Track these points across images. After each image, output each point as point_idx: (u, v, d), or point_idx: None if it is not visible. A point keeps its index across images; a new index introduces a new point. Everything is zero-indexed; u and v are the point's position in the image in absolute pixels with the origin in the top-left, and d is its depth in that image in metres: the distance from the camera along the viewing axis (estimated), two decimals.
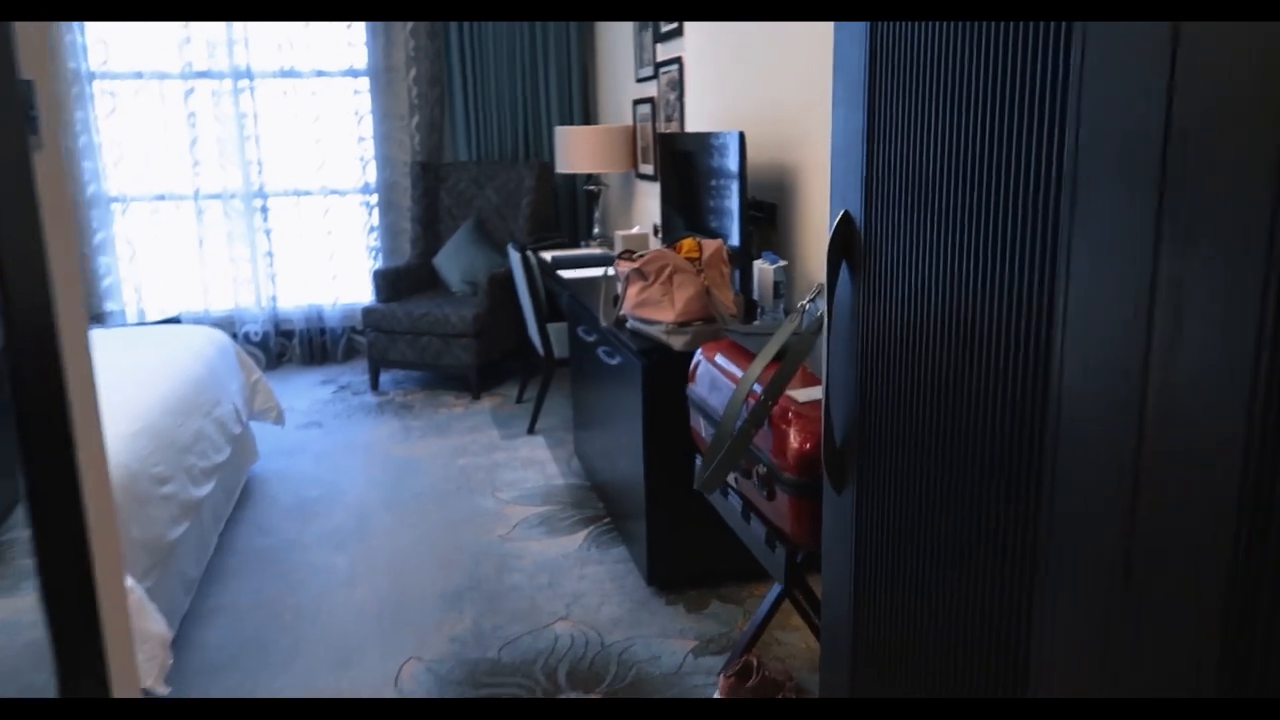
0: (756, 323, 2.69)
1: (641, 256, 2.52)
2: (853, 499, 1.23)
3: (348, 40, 5.29)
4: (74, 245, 1.07)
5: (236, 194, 5.29)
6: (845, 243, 1.20)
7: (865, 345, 1.17)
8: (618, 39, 4.90)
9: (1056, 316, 0.82)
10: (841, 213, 1.19)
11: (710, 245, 2.52)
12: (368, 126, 5.41)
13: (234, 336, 5.43)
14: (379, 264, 5.57)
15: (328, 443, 4.14)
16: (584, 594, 2.74)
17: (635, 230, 4.09)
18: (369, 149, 5.44)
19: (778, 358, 1.80)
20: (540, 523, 3.25)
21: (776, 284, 2.62)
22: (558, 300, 4.83)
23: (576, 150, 4.64)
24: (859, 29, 1.12)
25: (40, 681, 1.00)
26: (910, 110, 1.02)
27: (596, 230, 4.90)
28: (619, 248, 4.06)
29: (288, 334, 5.55)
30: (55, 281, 1.01)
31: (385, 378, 5.16)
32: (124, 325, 4.89)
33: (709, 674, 2.31)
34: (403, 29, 5.30)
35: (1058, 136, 0.80)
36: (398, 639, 2.54)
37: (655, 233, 4.34)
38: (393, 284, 4.97)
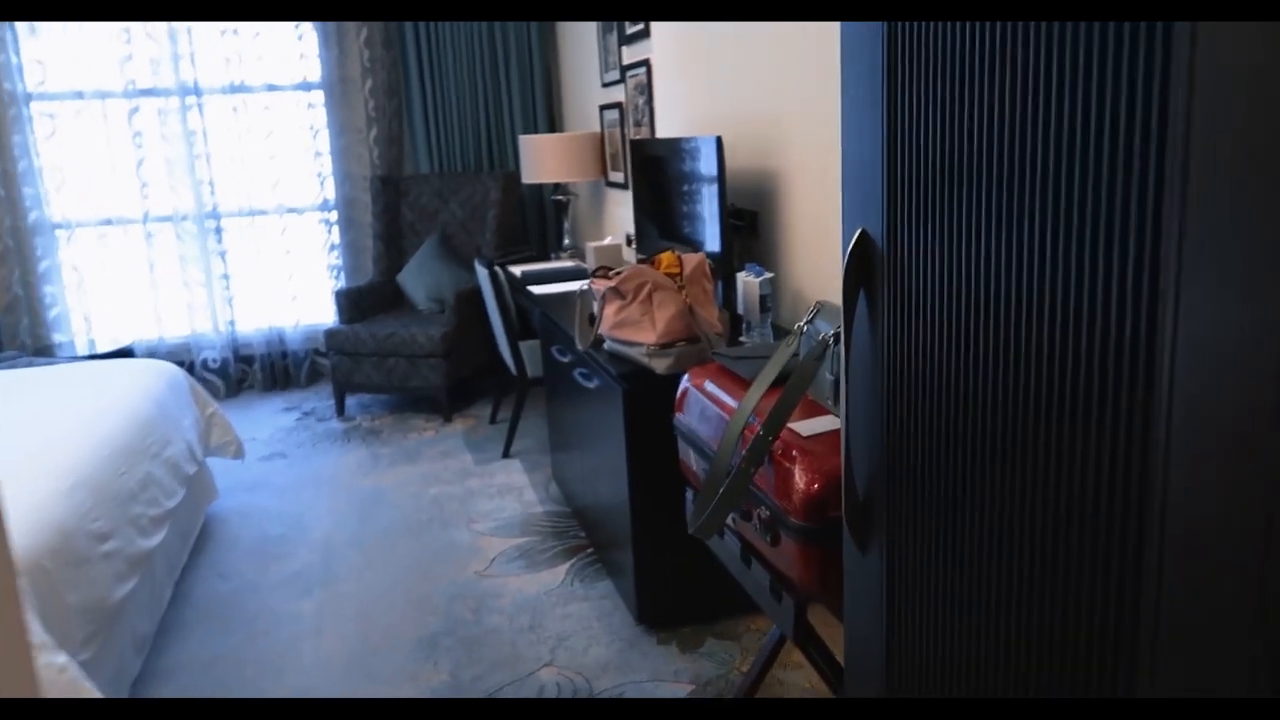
0: (744, 339, 2.53)
1: (618, 274, 2.35)
2: (882, 558, 1.07)
3: (299, 52, 5.08)
4: None
5: (188, 216, 5.06)
6: (864, 265, 1.03)
7: (893, 381, 1.01)
8: (581, 42, 4.73)
9: (1161, 339, 0.67)
10: (858, 232, 1.03)
11: (691, 259, 2.36)
12: (324, 141, 5.20)
13: (191, 364, 5.20)
14: (341, 283, 5.36)
15: (291, 475, 3.93)
16: (569, 635, 2.56)
17: (607, 241, 3.92)
18: (326, 164, 5.23)
19: (775, 384, 1.64)
20: (519, 556, 3.07)
21: (763, 298, 2.46)
22: (529, 317, 4.65)
23: (542, 159, 4.46)
24: (874, 29, 0.96)
25: None
26: (952, 115, 0.86)
27: (567, 242, 4.73)
28: (591, 260, 3.89)
29: (248, 360, 5.32)
30: None
31: (351, 402, 4.95)
32: (73, 357, 4.65)
33: None
34: (356, 39, 5.10)
35: (1156, 138, 0.64)
36: (369, 694, 2.35)
37: (629, 243, 4.18)
38: (355, 304, 4.76)
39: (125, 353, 4.83)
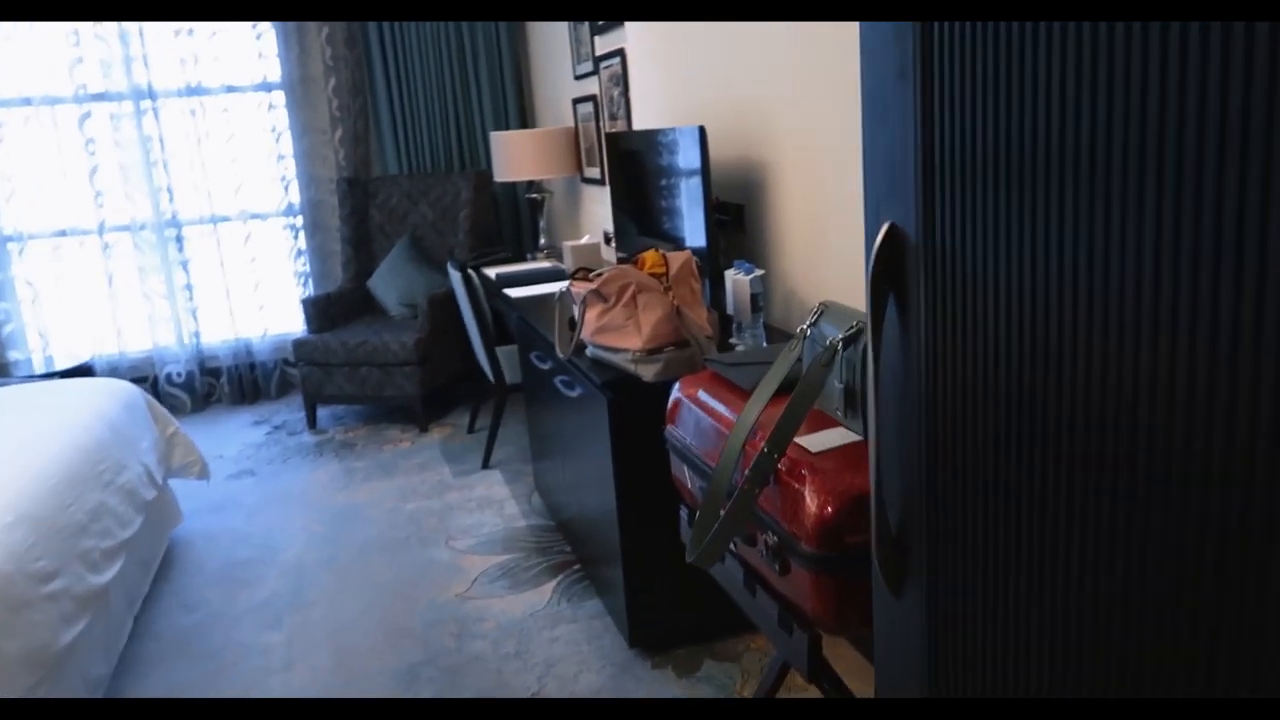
0: (734, 341, 2.38)
1: (599, 275, 2.20)
2: (923, 601, 0.92)
3: (258, 51, 4.88)
4: None
5: (146, 225, 4.86)
6: (894, 263, 0.88)
7: (936, 396, 0.86)
8: (551, 34, 4.56)
9: (1263, 352, 0.52)
10: (886, 226, 0.88)
11: (677, 258, 2.20)
12: (287, 143, 5.00)
13: (155, 379, 5.00)
14: (309, 290, 5.17)
15: (261, 493, 3.75)
16: (558, 661, 2.41)
17: (585, 240, 3.76)
18: (290, 167, 5.03)
19: (778, 394, 1.49)
20: (502, 575, 2.90)
21: (754, 297, 2.31)
22: (505, 321, 4.48)
23: (515, 157, 4.29)
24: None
25: None
26: (1009, 104, 0.71)
27: (543, 241, 4.56)
28: (568, 260, 3.73)
29: (214, 372, 5.12)
30: None
31: (323, 413, 4.76)
32: (29, 376, 4.43)
33: None
34: (318, 37, 4.91)
35: (1242, 134, 0.49)
36: None
37: (607, 241, 4.02)
38: (324, 312, 4.57)
39: (85, 369, 4.62)
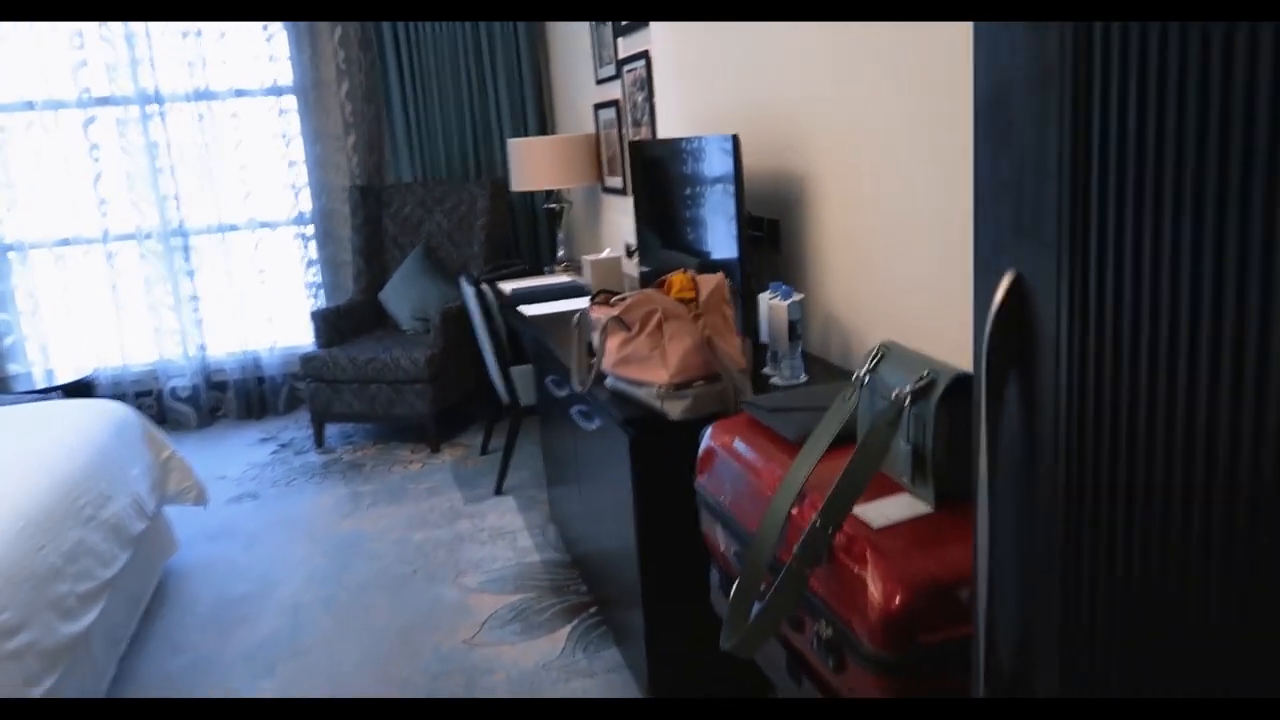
0: (768, 373, 2.16)
1: (622, 300, 1.98)
2: None
3: (269, 54, 4.70)
4: None
5: (152, 233, 4.69)
6: (1019, 324, 0.66)
7: (1083, 500, 0.64)
8: (573, 36, 4.36)
9: None
10: (1009, 277, 0.66)
11: (708, 281, 1.98)
12: (298, 149, 4.82)
13: (159, 393, 4.83)
14: (320, 301, 4.99)
15: (262, 519, 3.56)
16: None
17: (605, 254, 3.55)
18: (300, 174, 4.85)
19: (830, 447, 1.27)
20: (514, 617, 2.69)
21: (792, 324, 2.09)
22: (521, 339, 4.27)
23: (533, 165, 4.09)
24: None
25: None
26: (1209, 103, 0.48)
27: (561, 254, 4.35)
28: (587, 274, 3.51)
29: (220, 386, 4.94)
30: None
31: (332, 430, 4.57)
32: (30, 390, 4.27)
33: None
34: (330, 39, 4.73)
35: None
36: None
37: (629, 254, 3.80)
38: (334, 326, 4.39)
39: (86, 384, 4.45)
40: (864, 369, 1.31)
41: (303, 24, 4.70)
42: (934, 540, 1.14)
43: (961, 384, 1.16)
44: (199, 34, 4.56)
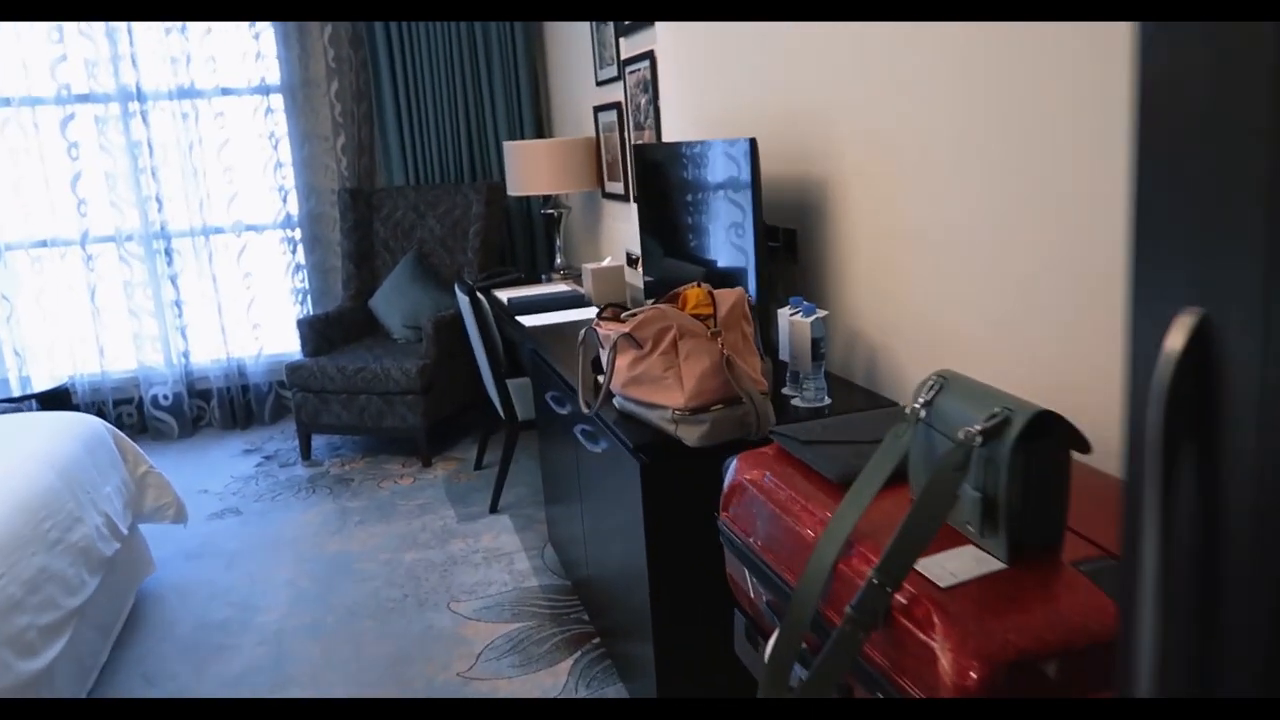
0: (788, 393, 2.01)
1: (633, 315, 1.83)
2: None
3: (256, 51, 4.53)
4: None
5: (133, 236, 4.52)
6: (1203, 374, 0.51)
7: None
8: (572, 35, 4.21)
9: None
10: (1191, 318, 0.51)
11: (727, 297, 1.84)
12: (285, 150, 4.66)
13: (140, 401, 4.65)
14: (307, 308, 4.82)
15: (245, 537, 3.39)
16: None
17: (607, 262, 3.40)
18: (288, 176, 4.69)
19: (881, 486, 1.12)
20: (511, 648, 2.53)
21: (815, 342, 1.94)
22: (518, 350, 4.12)
23: (531, 169, 3.94)
24: None
25: None
26: None
27: (559, 262, 4.20)
28: (588, 284, 3.36)
29: (204, 395, 4.77)
30: None
31: (319, 442, 4.41)
32: (5, 398, 4.09)
33: None
34: (320, 37, 4.57)
35: None
36: None
37: (630, 263, 3.66)
38: (322, 334, 4.22)
39: (62, 392, 4.28)
40: (919, 401, 1.16)
41: (290, 22, 4.54)
42: (1012, 603, 0.99)
43: (1040, 423, 1.02)
44: (183, 30, 4.40)
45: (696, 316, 1.81)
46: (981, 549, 1.08)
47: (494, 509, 3.47)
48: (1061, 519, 1.07)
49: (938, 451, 1.14)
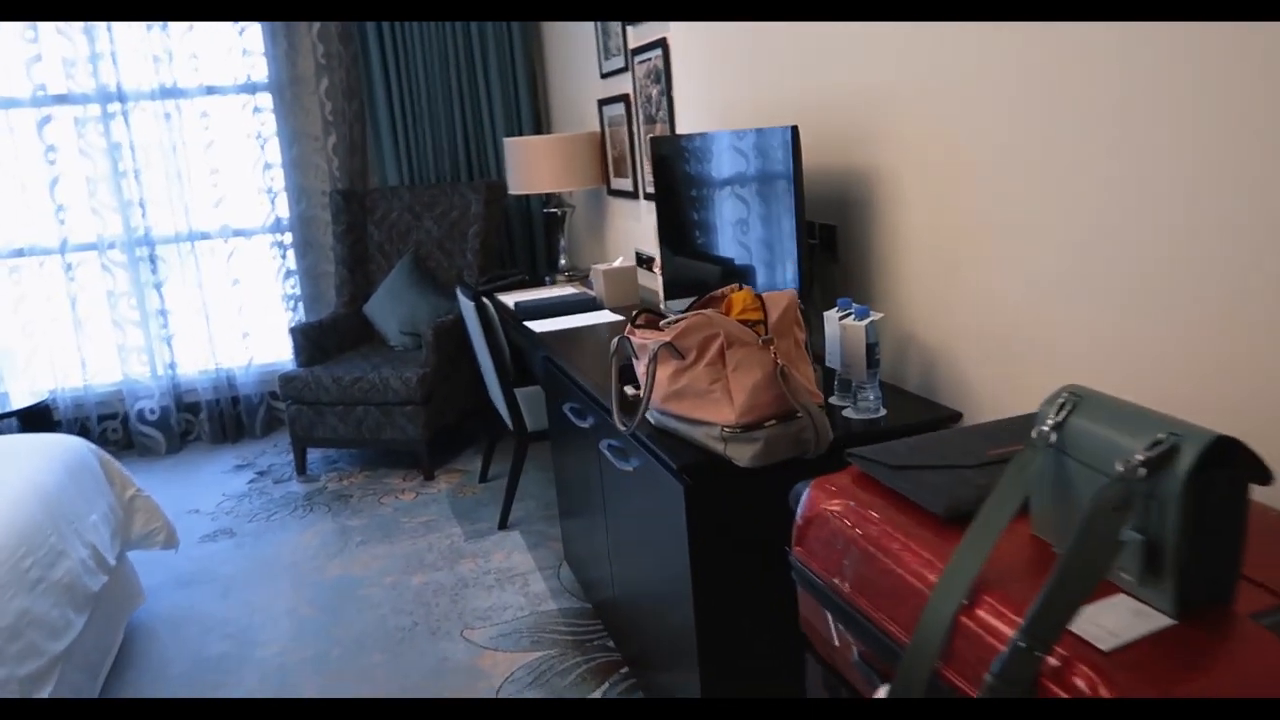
0: (837, 403, 1.84)
1: (675, 323, 1.65)
2: None
3: (241, 48, 4.33)
4: None
5: (115, 243, 4.31)
6: None
7: None
8: (573, 25, 4.03)
9: None
10: None
11: (777, 300, 1.66)
12: (274, 151, 4.46)
13: (126, 416, 4.45)
14: (299, 315, 4.62)
15: (240, 561, 3.20)
16: None
17: (618, 263, 3.22)
18: (277, 178, 4.49)
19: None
20: (533, 680, 2.36)
21: (870, 347, 1.77)
22: (526, 358, 3.94)
23: (532, 166, 3.76)
24: None
25: None
26: None
27: (563, 263, 4.02)
28: (599, 286, 3.19)
29: (192, 408, 4.57)
30: None
31: (315, 456, 4.21)
32: None
33: None
34: (308, 33, 4.37)
35: None
36: None
37: (644, 264, 3.48)
38: (316, 342, 4.03)
39: (43, 408, 4.07)
40: (1048, 422, 0.99)
41: (290, 21, 4.34)
42: (1190, 669, 0.82)
43: (1219, 451, 0.85)
44: (164, 26, 4.19)
45: (744, 322, 1.64)
46: (1139, 600, 0.91)
47: (503, 525, 3.29)
48: (1237, 564, 0.90)
49: (1075, 484, 0.97)
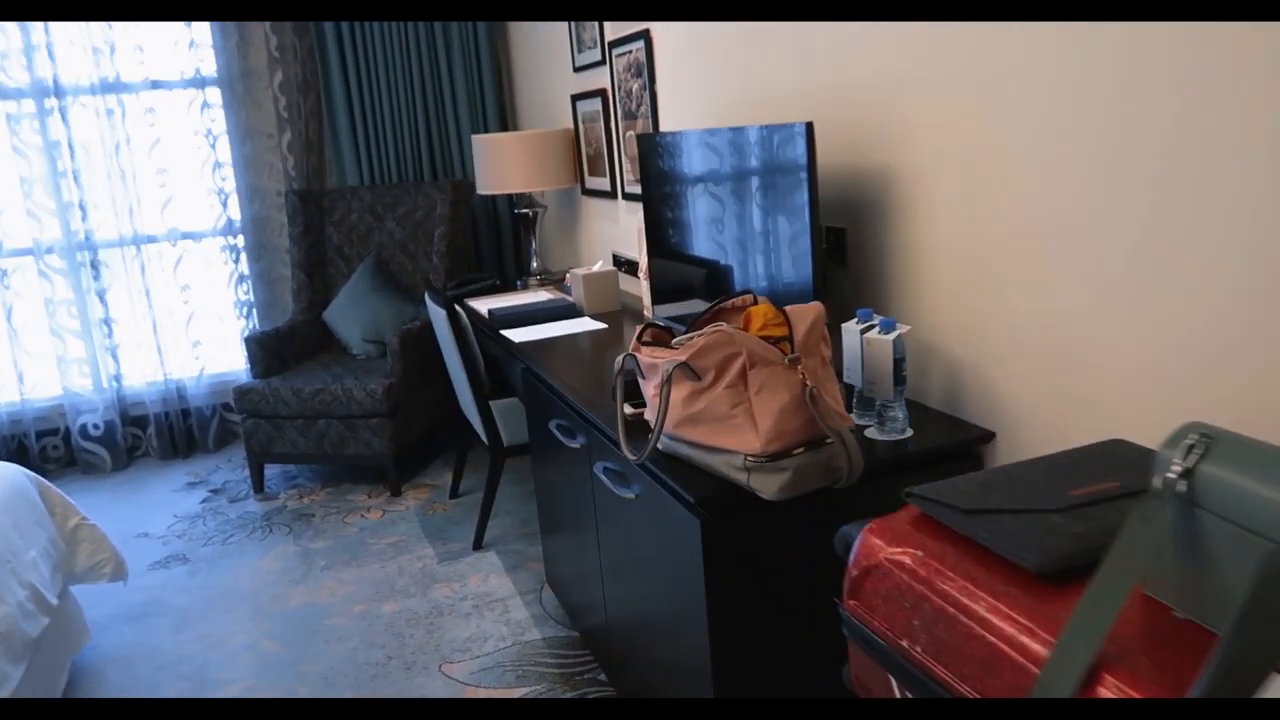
0: (860, 422, 1.69)
1: (689, 340, 1.49)
2: None
3: (188, 39, 4.08)
4: None
5: (54, 248, 4.04)
6: None
7: None
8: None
9: None
10: None
11: (803, 314, 1.51)
12: (225, 149, 4.22)
13: (67, 431, 4.18)
14: (253, 324, 4.38)
15: (195, 590, 2.97)
16: None
17: (598, 268, 3.05)
18: (228, 178, 4.25)
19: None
20: None
21: (897, 363, 1.62)
22: (502, 369, 3.75)
23: (503, 164, 3.57)
24: None
25: None
26: None
27: (535, 266, 3.84)
28: (578, 292, 3.01)
29: (139, 422, 4.31)
30: None
31: (273, 471, 3.98)
32: None
33: None
34: (260, 23, 4.13)
35: None
36: None
37: (622, 267, 3.31)
38: (272, 352, 3.80)
39: None
40: (1175, 469, 0.84)
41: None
42: None
43: None
44: None
45: (766, 339, 1.48)
46: None
47: (478, 545, 3.11)
48: None
49: (1212, 542, 0.82)
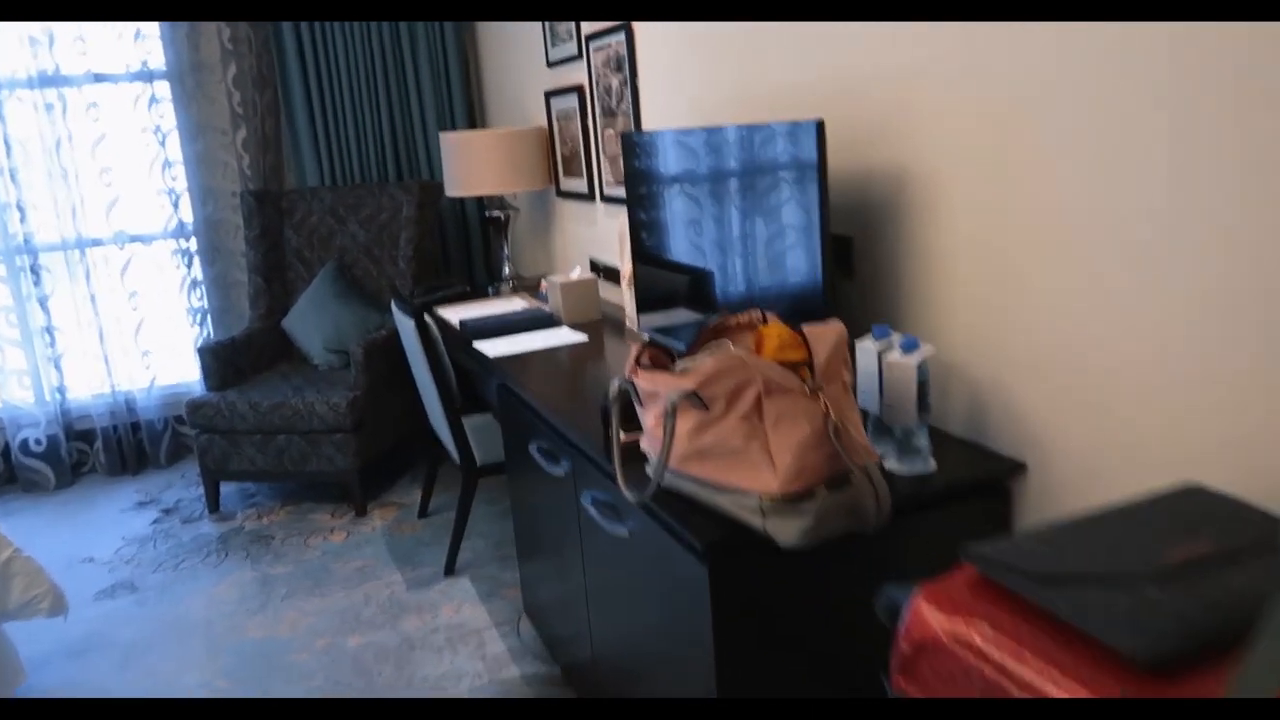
0: (880, 452, 1.53)
1: (698, 364, 1.32)
2: None
3: (134, 30, 3.85)
4: None
5: None
6: None
7: None
8: None
9: None
10: None
11: (823, 336, 1.35)
12: (175, 147, 3.98)
13: (6, 448, 3.92)
14: (207, 331, 4.15)
15: (143, 622, 2.76)
16: None
17: (576, 274, 2.87)
18: (179, 177, 4.01)
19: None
20: None
21: (921, 387, 1.47)
22: (474, 382, 3.56)
23: (473, 164, 3.37)
24: None
25: None
26: None
27: (507, 272, 3.65)
28: (556, 300, 2.84)
29: (85, 436, 4.06)
30: None
31: (229, 489, 3.76)
32: None
33: None
34: None
35: None
36: None
37: (599, 273, 3.14)
38: (228, 363, 3.58)
39: None
40: None
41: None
42: None
43: None
44: None
45: (784, 364, 1.32)
46: None
47: (450, 571, 2.92)
48: None
49: None
